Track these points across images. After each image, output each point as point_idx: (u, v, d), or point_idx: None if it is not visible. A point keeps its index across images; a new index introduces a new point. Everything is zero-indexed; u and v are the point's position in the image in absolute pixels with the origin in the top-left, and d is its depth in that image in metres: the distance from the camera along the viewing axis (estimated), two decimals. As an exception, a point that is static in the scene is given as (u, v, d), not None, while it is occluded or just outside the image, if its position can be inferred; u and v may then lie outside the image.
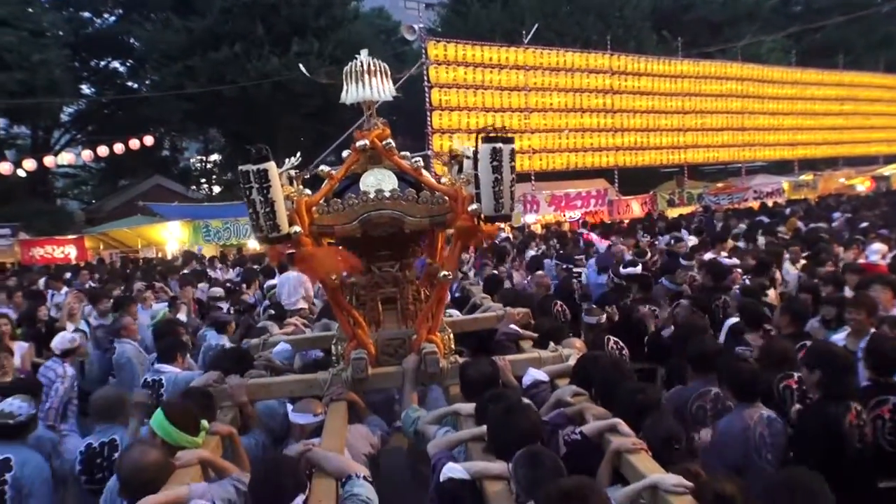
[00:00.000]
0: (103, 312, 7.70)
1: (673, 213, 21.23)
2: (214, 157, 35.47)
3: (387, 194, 3.95)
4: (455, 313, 5.72)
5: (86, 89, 30.35)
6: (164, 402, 3.62)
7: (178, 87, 22.53)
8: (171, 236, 19.51)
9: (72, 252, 19.04)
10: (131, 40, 28.07)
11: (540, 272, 8.39)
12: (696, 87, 25.02)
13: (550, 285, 7.66)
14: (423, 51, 19.74)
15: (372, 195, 3.95)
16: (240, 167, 3.67)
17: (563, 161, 22.44)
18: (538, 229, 19.54)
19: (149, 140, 19.99)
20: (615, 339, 5.22)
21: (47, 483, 3.70)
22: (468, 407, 3.55)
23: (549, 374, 4.08)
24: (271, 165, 3.61)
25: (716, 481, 2.60)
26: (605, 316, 5.87)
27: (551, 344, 4.49)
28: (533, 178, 21.77)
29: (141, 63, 27.23)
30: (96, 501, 3.32)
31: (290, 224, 3.79)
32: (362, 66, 4.22)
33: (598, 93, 22.95)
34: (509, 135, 3.81)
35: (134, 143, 19.59)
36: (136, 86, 28.98)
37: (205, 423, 3.34)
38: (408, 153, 4.45)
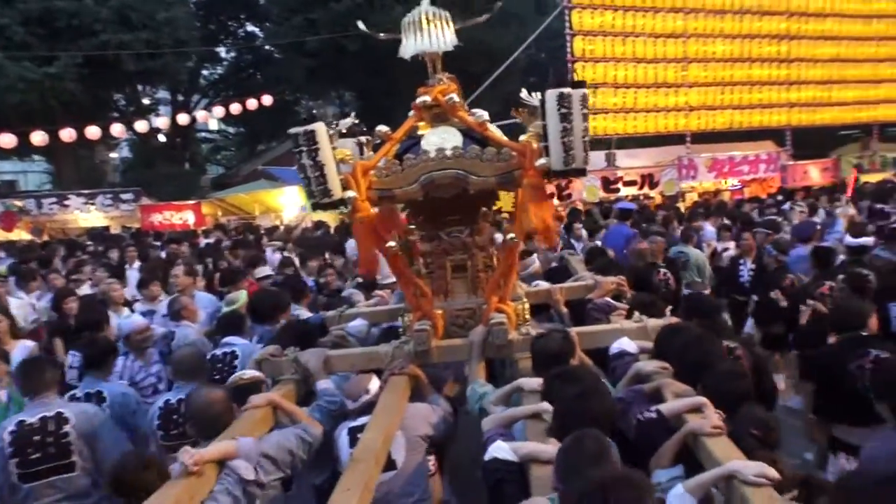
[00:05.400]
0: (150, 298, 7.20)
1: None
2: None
3: (448, 153, 3.91)
4: (543, 284, 5.57)
5: (223, 52, 30.45)
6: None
7: (300, 42, 21.42)
8: (288, 202, 18.74)
9: (190, 218, 19.01)
10: (259, -2, 27.70)
11: (639, 240, 7.91)
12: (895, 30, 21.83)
13: (650, 254, 7.23)
14: (565, -9, 17.64)
15: (432, 154, 3.93)
16: (289, 130, 3.84)
17: (725, 120, 20.52)
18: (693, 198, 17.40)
19: (267, 100, 19.42)
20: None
21: None
22: (532, 382, 3.46)
23: (640, 349, 3.89)
24: (319, 126, 3.73)
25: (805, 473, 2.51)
26: (707, 292, 5.73)
27: (636, 314, 4.31)
28: (689, 139, 20.08)
29: (265, 20, 26.65)
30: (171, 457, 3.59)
31: (346, 188, 3.80)
32: (421, 15, 4.17)
33: (772, 39, 20.62)
34: (581, 80, 3.77)
35: (251, 104, 18.85)
36: (270, 48, 28.56)
37: None
38: (481, 111, 4.23)
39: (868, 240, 7.95)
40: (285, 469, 3.16)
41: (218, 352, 4.97)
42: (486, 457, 2.93)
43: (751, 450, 2.66)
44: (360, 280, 6.80)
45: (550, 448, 2.75)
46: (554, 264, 6.95)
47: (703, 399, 2.96)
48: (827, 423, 4.82)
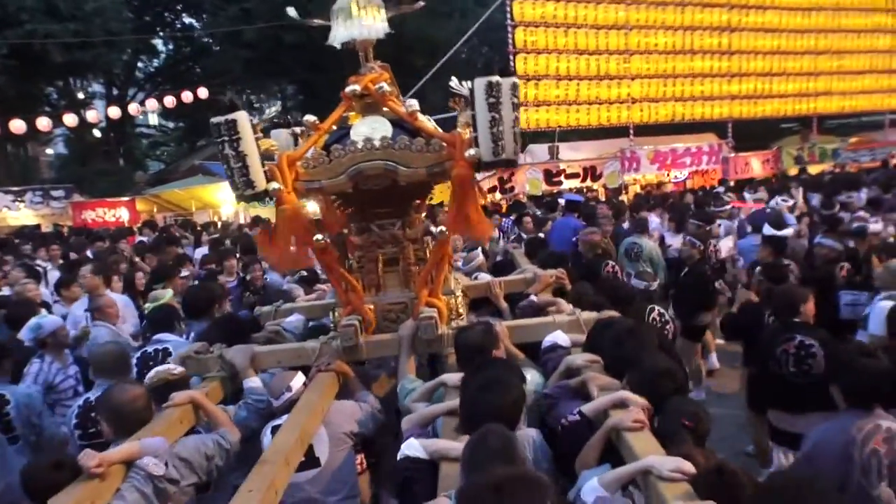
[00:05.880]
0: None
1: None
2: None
3: (376, 143, 3.85)
4: (486, 277, 5.54)
5: (160, 45, 29.69)
6: None
7: (235, 33, 20.95)
8: (225, 198, 18.39)
9: (124, 215, 18.53)
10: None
11: (591, 228, 7.98)
12: (834, 22, 22.33)
13: (601, 243, 7.29)
14: (507, -18, 17.70)
15: (360, 145, 3.87)
16: (210, 120, 3.71)
17: (667, 112, 20.68)
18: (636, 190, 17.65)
19: (203, 93, 18.71)
20: (660, 309, 4.97)
21: None
22: (455, 377, 3.41)
23: (574, 342, 3.89)
24: (241, 115, 3.63)
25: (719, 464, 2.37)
26: (656, 283, 5.84)
27: (570, 306, 4.32)
28: (632, 131, 20.21)
29: (201, 11, 25.95)
30: None
31: (270, 180, 3.75)
32: (351, 2, 4.13)
33: (714, 31, 20.85)
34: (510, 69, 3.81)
35: (186, 97, 18.15)
36: (207, 40, 27.81)
37: None
38: (412, 100, 4.21)
39: (788, 231, 8.25)
40: (201, 474, 3.09)
41: (149, 349, 4.82)
42: (399, 455, 2.91)
43: (680, 442, 2.62)
44: (303, 273, 6.74)
45: (460, 445, 2.71)
46: (499, 258, 6.94)
47: (625, 393, 2.92)
48: (763, 411, 4.98)
